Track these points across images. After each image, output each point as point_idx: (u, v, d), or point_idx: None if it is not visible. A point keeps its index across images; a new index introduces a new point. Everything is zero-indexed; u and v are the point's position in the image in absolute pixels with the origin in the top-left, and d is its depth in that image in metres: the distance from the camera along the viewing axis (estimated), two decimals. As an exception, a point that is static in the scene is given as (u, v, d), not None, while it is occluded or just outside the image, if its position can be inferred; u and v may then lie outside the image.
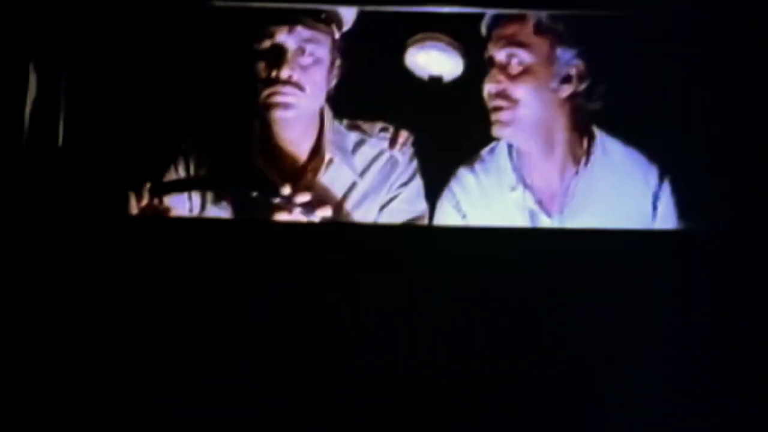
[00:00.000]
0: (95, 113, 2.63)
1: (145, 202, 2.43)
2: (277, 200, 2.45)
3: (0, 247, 2.19)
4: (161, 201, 2.45)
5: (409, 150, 2.64)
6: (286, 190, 2.45)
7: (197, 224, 2.46)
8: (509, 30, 2.52)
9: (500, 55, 2.53)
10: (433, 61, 2.64)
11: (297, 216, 2.44)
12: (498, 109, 2.52)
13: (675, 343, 2.22)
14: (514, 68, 2.51)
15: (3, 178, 2.30)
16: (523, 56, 2.51)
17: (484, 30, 2.56)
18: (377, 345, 2.18)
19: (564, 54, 2.51)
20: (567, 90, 2.52)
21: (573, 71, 2.52)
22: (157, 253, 2.21)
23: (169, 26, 2.69)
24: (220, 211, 2.58)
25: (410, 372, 2.18)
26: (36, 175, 2.37)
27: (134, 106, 2.71)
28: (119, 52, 2.71)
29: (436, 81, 2.65)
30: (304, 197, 2.45)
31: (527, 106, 2.50)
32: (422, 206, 2.62)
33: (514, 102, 2.51)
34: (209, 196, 2.59)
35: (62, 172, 2.43)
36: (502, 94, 2.51)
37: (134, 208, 2.43)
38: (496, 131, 2.54)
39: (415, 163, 2.63)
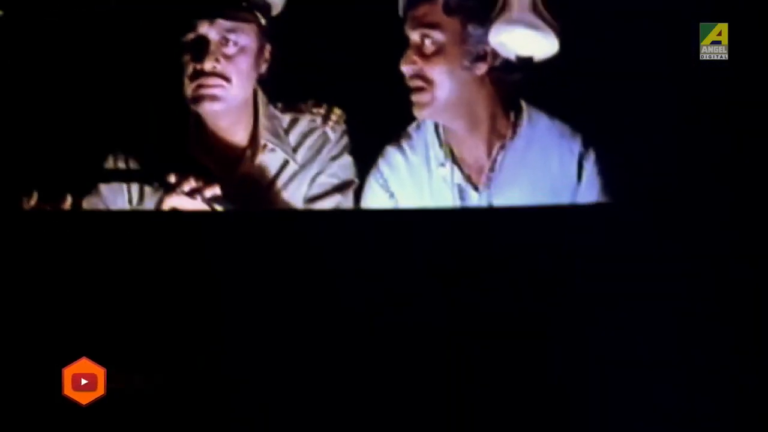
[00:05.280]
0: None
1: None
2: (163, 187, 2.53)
3: None
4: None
5: (341, 127, 2.69)
6: (172, 179, 2.51)
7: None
8: (421, 11, 2.53)
9: (414, 35, 2.54)
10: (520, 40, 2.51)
11: (185, 201, 2.51)
12: (415, 90, 2.54)
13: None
14: (428, 48, 2.52)
15: None
16: (435, 36, 2.51)
17: (400, 11, 2.57)
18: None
19: (475, 31, 2.51)
20: (482, 67, 2.53)
21: (486, 48, 2.52)
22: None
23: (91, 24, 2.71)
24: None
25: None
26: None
27: (61, 105, 2.73)
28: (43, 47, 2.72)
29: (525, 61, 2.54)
30: (190, 183, 2.51)
31: (442, 86, 2.52)
32: (351, 176, 2.67)
33: (430, 83, 2.53)
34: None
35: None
36: (417, 75, 2.53)
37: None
38: (415, 112, 2.57)
39: (346, 140, 2.69)
